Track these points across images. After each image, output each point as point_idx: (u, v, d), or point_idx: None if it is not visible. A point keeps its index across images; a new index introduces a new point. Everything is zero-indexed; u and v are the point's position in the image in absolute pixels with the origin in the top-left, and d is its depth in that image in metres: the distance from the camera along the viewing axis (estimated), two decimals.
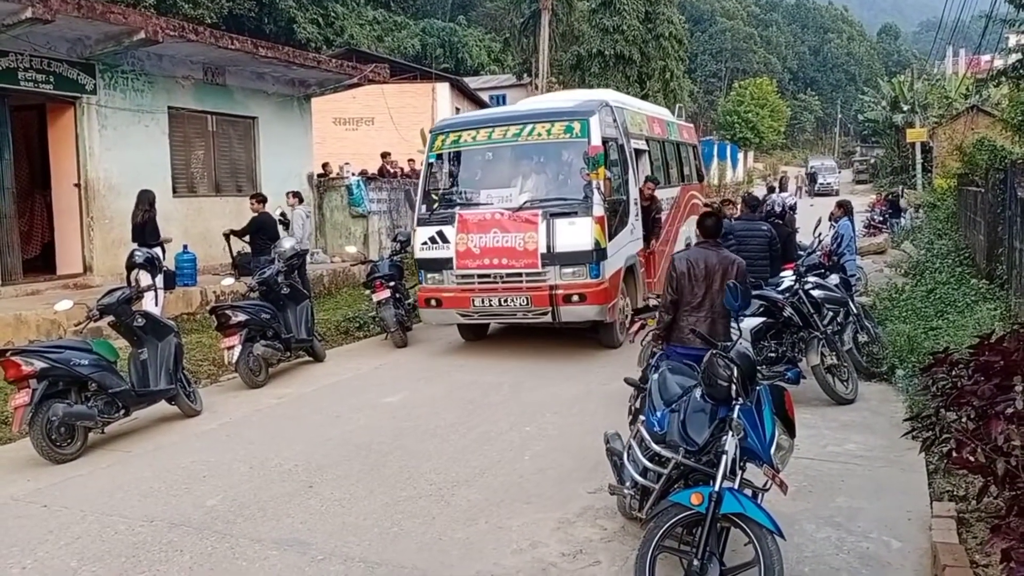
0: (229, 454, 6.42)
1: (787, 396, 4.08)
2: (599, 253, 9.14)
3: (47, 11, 9.76)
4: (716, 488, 3.66)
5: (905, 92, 44.70)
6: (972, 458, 3.88)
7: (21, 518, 5.25)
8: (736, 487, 3.75)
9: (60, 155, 11.96)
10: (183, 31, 12.26)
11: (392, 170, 19.44)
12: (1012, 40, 19.49)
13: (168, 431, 7.19)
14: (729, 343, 4.34)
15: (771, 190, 17.63)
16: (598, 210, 9.14)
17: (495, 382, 8.50)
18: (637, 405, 5.14)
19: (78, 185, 11.82)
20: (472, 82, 37.03)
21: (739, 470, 3.83)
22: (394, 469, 5.93)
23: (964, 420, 4.23)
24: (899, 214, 23.56)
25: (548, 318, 9.22)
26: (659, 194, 11.44)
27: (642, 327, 7.97)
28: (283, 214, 12.60)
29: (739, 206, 11.40)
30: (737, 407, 3.86)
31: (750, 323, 7.09)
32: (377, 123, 25.29)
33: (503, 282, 9.26)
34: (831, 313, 7.72)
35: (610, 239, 9.38)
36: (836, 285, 8.07)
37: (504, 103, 24.92)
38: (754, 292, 7.14)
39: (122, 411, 6.87)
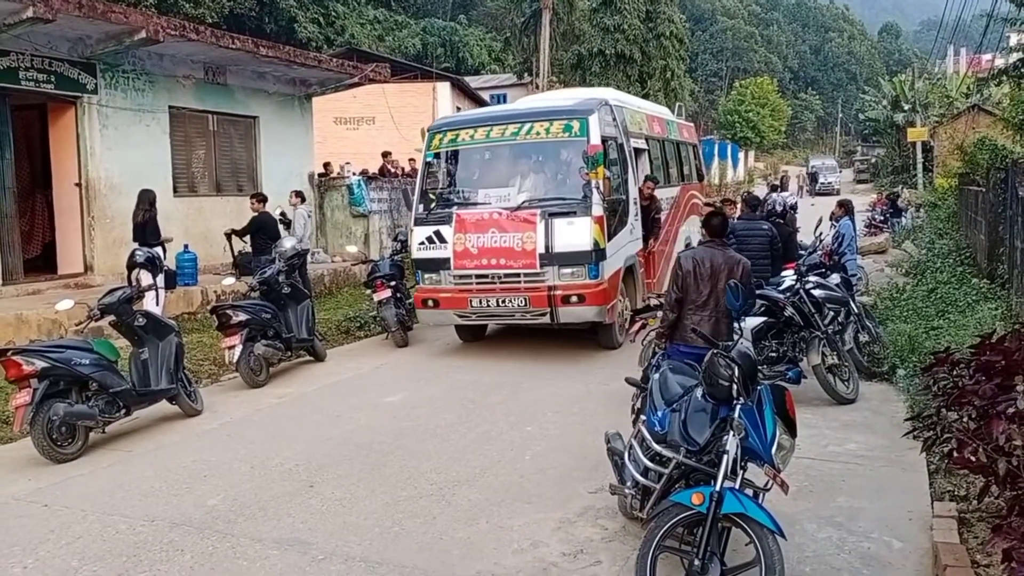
0: (230, 453, 6.42)
1: (788, 396, 4.08)
2: (598, 253, 9.06)
3: (48, 10, 9.76)
4: (717, 488, 3.66)
5: (906, 91, 44.67)
6: (973, 458, 3.88)
7: (22, 517, 5.25)
8: (737, 487, 3.75)
9: (61, 154, 11.96)
10: (184, 30, 12.25)
11: (393, 170, 19.43)
12: (1013, 39, 19.47)
13: (169, 431, 7.20)
14: (730, 343, 4.34)
15: (774, 189, 17.61)
16: (597, 210, 9.05)
17: (496, 382, 8.50)
18: (639, 405, 5.15)
19: (79, 184, 11.82)
20: (473, 81, 37.01)
21: (740, 470, 3.82)
22: (395, 469, 5.94)
23: (965, 420, 4.23)
24: (900, 213, 23.55)
25: (546, 319, 9.13)
26: (659, 193, 11.36)
27: (643, 327, 7.98)
28: (283, 213, 12.60)
29: (739, 206, 11.37)
30: (738, 407, 3.86)
31: (751, 323, 7.08)
32: (378, 122, 25.29)
33: (501, 283, 9.17)
34: (832, 313, 7.71)
35: (609, 239, 9.30)
36: (837, 285, 8.07)
37: (505, 102, 24.91)
38: (755, 291, 7.15)
39: (123, 411, 6.88)
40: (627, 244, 10.07)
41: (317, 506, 5.27)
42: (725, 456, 3.76)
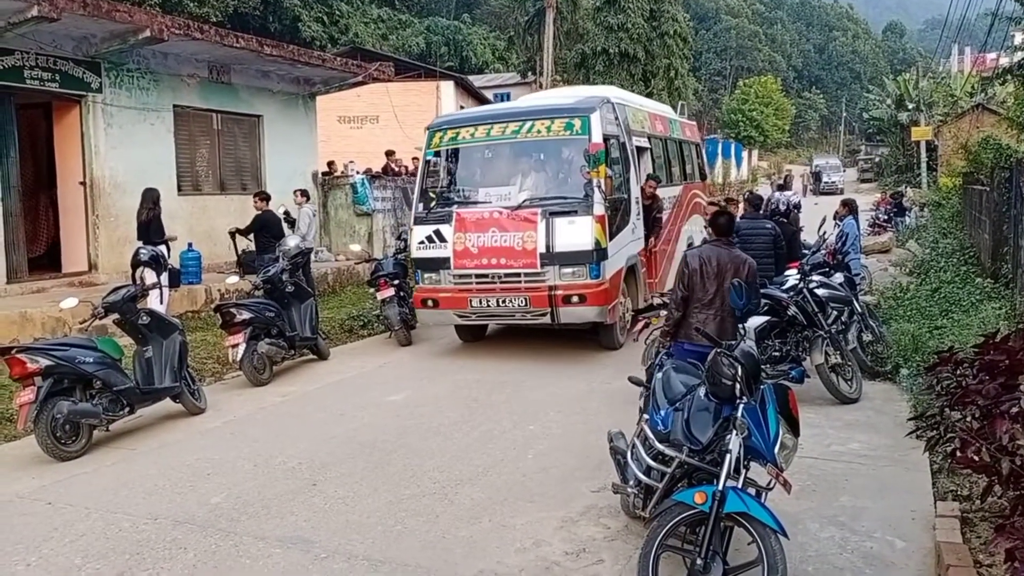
0: (233, 452, 6.43)
1: (791, 395, 4.08)
2: (599, 253, 8.97)
3: (53, 9, 9.78)
4: (720, 487, 3.66)
5: (910, 90, 44.59)
6: (976, 457, 3.88)
7: (26, 515, 5.26)
8: (740, 486, 3.75)
9: (66, 153, 11.99)
10: (188, 29, 12.27)
11: (396, 168, 19.45)
12: (1018, 38, 19.41)
13: (173, 429, 7.21)
14: (734, 342, 4.34)
15: (781, 188, 17.54)
16: (599, 209, 8.96)
17: (498, 380, 8.50)
18: (642, 404, 5.15)
19: (83, 183, 11.85)
20: (476, 80, 37.02)
21: (743, 469, 3.82)
22: (398, 467, 5.94)
23: (969, 419, 4.23)
24: (904, 213, 23.50)
25: (547, 319, 9.05)
26: (661, 193, 11.29)
27: (646, 326, 7.99)
28: (287, 212, 12.61)
29: (743, 205, 11.36)
30: (741, 406, 3.86)
31: (754, 322, 7.08)
32: (382, 121, 25.31)
33: (501, 282, 9.08)
34: (835, 312, 7.70)
35: (611, 239, 9.21)
36: (840, 284, 8.06)
37: (508, 101, 24.96)
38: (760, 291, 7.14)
39: (127, 409, 6.89)
40: (629, 243, 10.00)
41: (320, 504, 5.28)
42: (728, 455, 3.76)
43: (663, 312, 6.95)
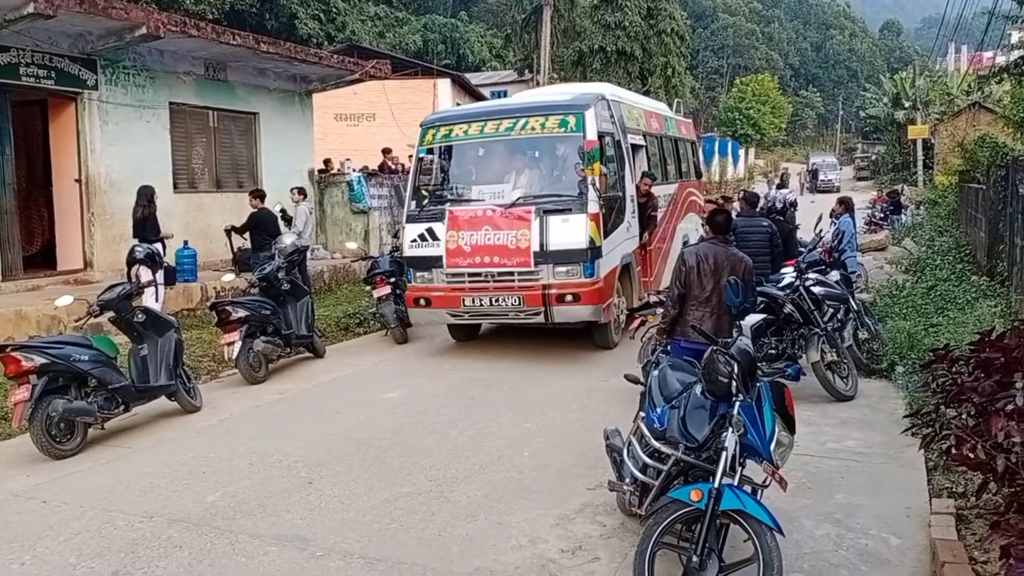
0: (229, 450, 6.42)
1: (787, 392, 4.08)
2: (594, 251, 8.87)
3: (49, 6, 9.74)
4: (716, 484, 3.66)
5: (907, 88, 44.66)
6: (972, 455, 3.88)
7: (21, 514, 5.25)
8: (736, 483, 3.75)
9: (61, 151, 11.96)
10: (184, 26, 12.24)
11: (393, 166, 19.43)
12: (1014, 37, 19.46)
13: (168, 427, 7.20)
14: (730, 339, 4.34)
15: (781, 185, 17.56)
16: (593, 207, 8.87)
17: (495, 378, 8.50)
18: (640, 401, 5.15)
19: (79, 181, 11.82)
20: (474, 78, 37.00)
21: (739, 466, 3.83)
22: (394, 465, 5.94)
23: (964, 417, 4.24)
24: (900, 210, 23.55)
25: (541, 318, 8.95)
26: (656, 191, 11.21)
27: (642, 323, 8.00)
28: (283, 210, 12.60)
29: (739, 203, 11.36)
30: (737, 403, 3.86)
31: (751, 319, 7.08)
32: (378, 119, 25.26)
33: (495, 281, 8.98)
34: (831, 310, 7.71)
35: (605, 237, 9.13)
36: (837, 282, 8.07)
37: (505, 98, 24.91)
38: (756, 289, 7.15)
39: (122, 407, 6.87)
40: (624, 242, 9.93)
41: (316, 502, 5.27)
42: (724, 453, 3.77)
43: (659, 310, 6.96)
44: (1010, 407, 3.72)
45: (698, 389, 4.17)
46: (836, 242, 9.75)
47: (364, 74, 16.72)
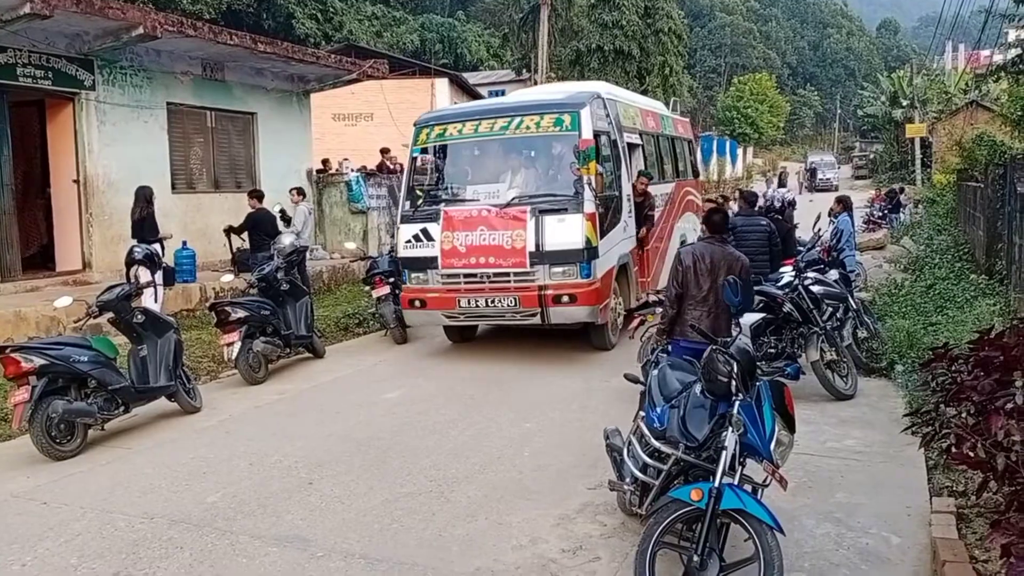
0: (229, 451, 6.42)
1: (787, 392, 4.09)
2: (590, 252, 8.78)
3: (45, 6, 9.73)
4: (716, 484, 3.67)
5: (904, 87, 44.73)
6: (972, 453, 3.88)
7: (21, 515, 5.25)
8: (736, 483, 3.76)
9: (59, 151, 11.94)
10: (181, 26, 12.23)
11: (391, 166, 19.40)
12: (1011, 35, 19.47)
13: (168, 428, 7.19)
14: (729, 339, 4.35)
15: (781, 184, 17.59)
16: (589, 207, 8.79)
17: (494, 378, 8.50)
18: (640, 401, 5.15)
19: (77, 181, 11.80)
20: (471, 78, 36.99)
21: (739, 466, 3.83)
22: (394, 465, 5.94)
23: (964, 415, 4.24)
24: (899, 209, 23.57)
25: (537, 320, 8.86)
26: (653, 190, 11.15)
27: (641, 323, 8.00)
28: (282, 210, 12.59)
29: (738, 202, 11.35)
30: (737, 403, 3.86)
31: (750, 319, 7.09)
32: (376, 119, 25.24)
33: (490, 282, 8.89)
34: (830, 309, 7.71)
35: (602, 237, 9.05)
36: (835, 281, 8.07)
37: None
38: (754, 288, 7.16)
39: (122, 408, 6.87)
40: (620, 242, 9.85)
41: (316, 503, 5.27)
42: (724, 452, 3.77)
43: (658, 309, 6.96)
44: (1010, 405, 3.73)
45: (698, 388, 4.18)
46: (835, 241, 9.75)
47: (362, 74, 16.71)
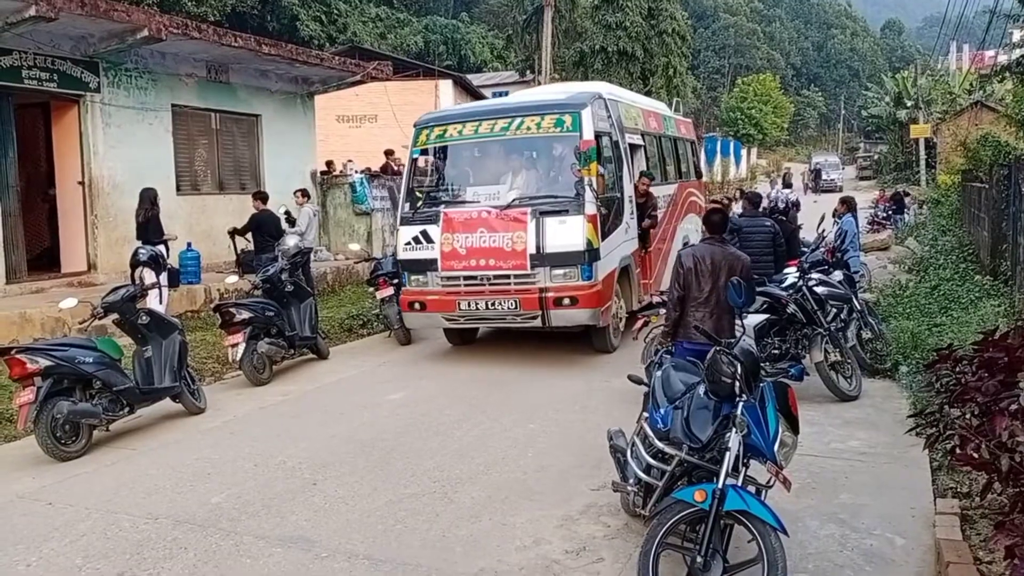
0: (233, 451, 6.44)
1: (791, 393, 4.08)
2: (591, 254, 8.71)
3: (51, 9, 9.77)
4: (720, 485, 3.66)
5: (909, 88, 44.67)
6: (976, 454, 3.87)
7: (26, 515, 5.27)
8: (740, 484, 3.75)
9: (64, 153, 11.98)
10: (186, 29, 12.26)
11: (396, 168, 19.43)
12: (1016, 35, 19.41)
13: (172, 429, 7.21)
14: (733, 339, 4.34)
15: (787, 185, 17.58)
16: (590, 208, 8.70)
17: (498, 379, 8.51)
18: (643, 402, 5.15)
19: (82, 183, 11.84)
20: (475, 79, 37.03)
21: (743, 467, 3.83)
22: (398, 466, 5.94)
23: (968, 416, 4.23)
24: (903, 210, 23.53)
25: (538, 322, 8.78)
26: (655, 191, 11.07)
27: (645, 324, 8.00)
28: (288, 212, 12.61)
29: (742, 203, 11.35)
30: (741, 404, 3.86)
31: (754, 320, 7.10)
32: (380, 120, 25.27)
33: (490, 284, 8.82)
34: (835, 310, 7.71)
35: (603, 239, 8.98)
36: (840, 282, 8.07)
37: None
38: (758, 289, 7.15)
39: (126, 409, 6.89)
40: (622, 244, 9.76)
41: (320, 504, 5.28)
42: (728, 453, 3.76)
43: (662, 310, 6.96)
44: (1014, 407, 3.72)
45: (701, 389, 4.17)
46: (839, 242, 9.75)
47: (366, 75, 16.74)
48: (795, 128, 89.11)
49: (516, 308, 8.78)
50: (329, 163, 18.42)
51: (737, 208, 15.96)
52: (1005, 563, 3.37)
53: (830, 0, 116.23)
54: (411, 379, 8.74)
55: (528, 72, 40.43)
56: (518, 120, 9.28)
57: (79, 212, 11.92)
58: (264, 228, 11.72)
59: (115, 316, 7.31)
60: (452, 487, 5.49)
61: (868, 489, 5.24)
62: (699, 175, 15.90)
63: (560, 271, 8.70)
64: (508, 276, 8.79)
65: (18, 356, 6.25)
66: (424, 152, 9.60)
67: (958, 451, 4.07)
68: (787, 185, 18.77)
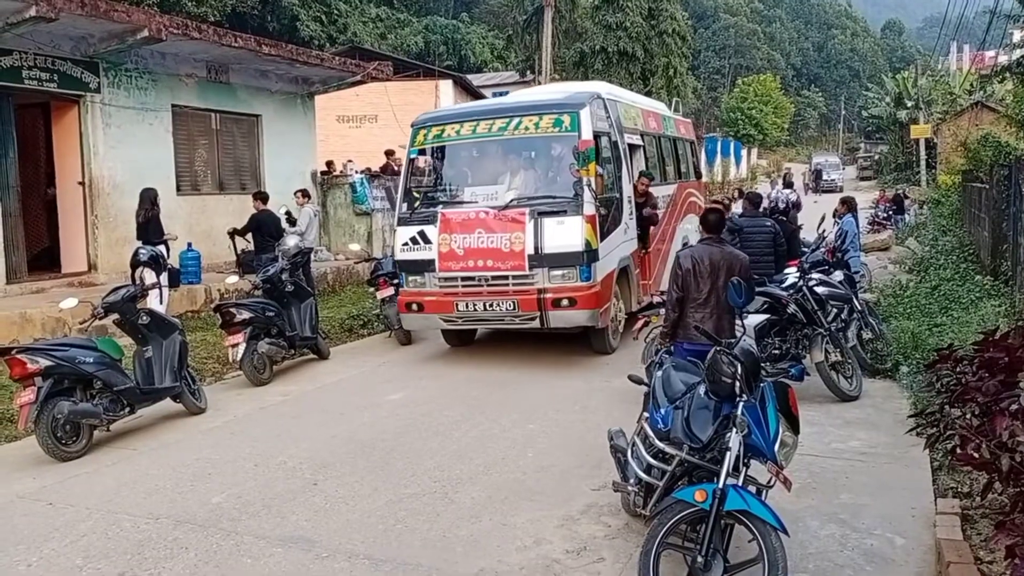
0: (234, 452, 6.44)
1: (791, 393, 4.08)
2: (590, 254, 8.64)
3: (51, 9, 9.78)
4: (720, 485, 3.66)
5: (909, 88, 44.69)
6: (976, 454, 3.87)
7: (27, 516, 5.27)
8: (740, 484, 3.75)
9: (64, 153, 11.99)
10: (186, 29, 12.26)
11: (397, 168, 19.42)
12: (1016, 36, 19.42)
13: (173, 429, 7.21)
14: (734, 340, 4.34)
15: (788, 185, 17.56)
16: (589, 208, 8.63)
17: (498, 379, 8.51)
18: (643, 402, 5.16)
19: (82, 183, 11.85)
20: (475, 79, 37.01)
21: (743, 467, 3.83)
22: (398, 466, 5.94)
23: (968, 416, 4.24)
24: (903, 212, 23.55)
25: (536, 324, 8.71)
26: (655, 192, 11.03)
27: (646, 324, 8.00)
28: (288, 212, 12.61)
29: (742, 203, 11.35)
30: (741, 404, 3.86)
31: (754, 320, 7.10)
32: (380, 121, 25.28)
33: (488, 285, 8.76)
34: (835, 310, 7.71)
35: (602, 239, 8.92)
36: (840, 282, 8.07)
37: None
38: (758, 289, 7.15)
39: (127, 409, 6.89)
40: (621, 244, 9.70)
41: (321, 504, 5.28)
42: (728, 453, 3.76)
43: (663, 311, 6.95)
44: (1014, 407, 3.73)
45: (702, 389, 4.17)
46: (839, 242, 9.75)
47: (366, 76, 16.75)
48: (795, 128, 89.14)
49: (514, 309, 8.72)
50: (329, 163, 18.43)
51: (737, 208, 15.97)
52: (1006, 563, 3.37)
53: (830, 0, 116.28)
54: (411, 379, 8.74)
55: (528, 72, 40.42)
56: (516, 120, 9.22)
57: (79, 212, 11.92)
58: (264, 228, 11.73)
59: (115, 316, 7.32)
60: (452, 487, 5.49)
61: (868, 489, 5.24)
62: (699, 175, 15.86)
63: (558, 272, 8.63)
64: (506, 277, 8.74)
65: (19, 356, 6.25)
66: (422, 152, 9.55)
67: (958, 451, 4.07)
68: (788, 185, 18.75)
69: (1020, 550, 3.22)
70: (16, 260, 11.11)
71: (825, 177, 49.85)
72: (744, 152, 59.54)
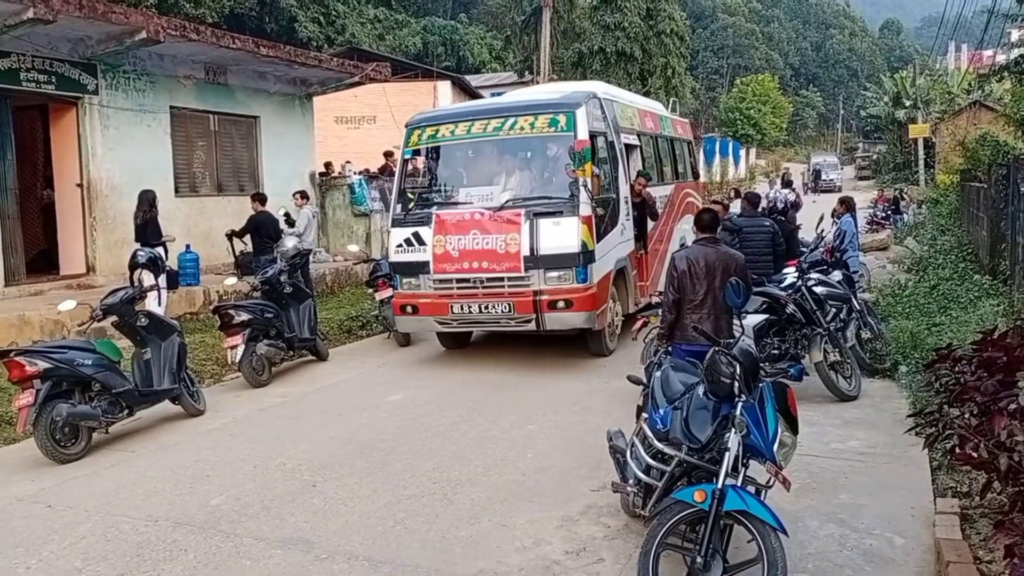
0: (233, 453, 6.43)
1: (790, 393, 4.08)
2: (586, 256, 8.56)
3: (49, 11, 9.77)
4: (719, 485, 3.66)
5: (907, 88, 44.72)
6: (975, 454, 3.88)
7: (26, 518, 5.26)
8: (739, 484, 3.75)
9: (63, 155, 11.98)
10: (184, 31, 12.26)
11: (395, 169, 19.41)
12: (1014, 35, 19.45)
13: (172, 431, 7.21)
14: (732, 340, 4.34)
15: (787, 184, 17.58)
16: (585, 209, 8.53)
17: (497, 380, 8.50)
18: (641, 403, 5.15)
19: (80, 185, 11.84)
20: (474, 80, 36.99)
21: (742, 467, 3.83)
22: (397, 468, 5.94)
23: (967, 416, 4.24)
24: (901, 212, 23.56)
25: (532, 326, 8.63)
26: (652, 192, 10.98)
27: (644, 324, 8.00)
28: (287, 214, 12.61)
29: (741, 202, 11.34)
30: (740, 404, 3.86)
31: (753, 320, 7.10)
32: (379, 122, 25.26)
33: (483, 287, 8.67)
34: (834, 310, 7.71)
35: (598, 240, 8.81)
36: (839, 282, 8.07)
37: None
38: (757, 289, 7.16)
39: (126, 411, 6.89)
40: (618, 245, 9.62)
41: (320, 505, 5.28)
42: (727, 453, 3.77)
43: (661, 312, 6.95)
44: (1013, 406, 3.73)
45: (700, 390, 4.18)
46: (838, 242, 9.75)
47: (364, 77, 16.74)
48: (794, 128, 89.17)
49: (510, 311, 8.65)
50: (328, 164, 18.40)
51: (735, 208, 15.97)
52: (1005, 562, 3.37)
53: (828, 0, 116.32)
54: (410, 380, 8.74)
55: (527, 73, 40.42)
56: (511, 120, 9.15)
57: (78, 214, 11.91)
58: (263, 230, 11.72)
59: (114, 318, 7.31)
60: (452, 488, 5.49)
61: (868, 489, 5.24)
62: (696, 176, 15.81)
63: (554, 273, 8.56)
64: (502, 279, 8.66)
65: (17, 359, 6.25)
66: (416, 153, 9.51)
67: (957, 450, 4.08)
68: (787, 185, 18.75)
69: (1019, 549, 3.22)
70: (14, 262, 11.10)
71: (824, 177, 49.88)
72: (742, 152, 59.53)
